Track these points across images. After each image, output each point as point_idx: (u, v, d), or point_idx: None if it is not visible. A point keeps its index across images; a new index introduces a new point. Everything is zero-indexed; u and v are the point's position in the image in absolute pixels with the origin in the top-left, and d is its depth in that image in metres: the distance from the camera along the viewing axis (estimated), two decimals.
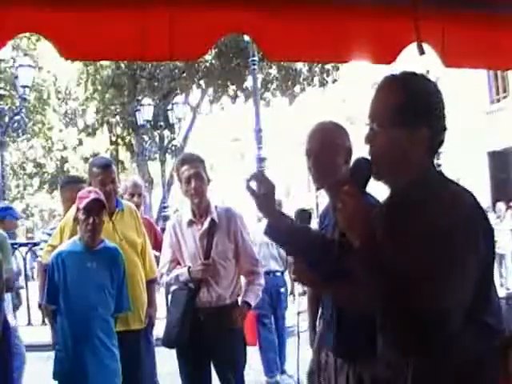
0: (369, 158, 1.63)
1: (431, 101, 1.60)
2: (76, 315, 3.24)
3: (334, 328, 2.30)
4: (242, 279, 3.64)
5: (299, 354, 3.24)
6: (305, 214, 2.45)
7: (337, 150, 2.38)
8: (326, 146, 2.37)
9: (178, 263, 3.55)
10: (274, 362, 6.18)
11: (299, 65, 17.49)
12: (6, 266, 4.03)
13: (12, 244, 7.28)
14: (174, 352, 3.60)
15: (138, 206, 4.56)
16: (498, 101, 21.71)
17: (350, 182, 1.59)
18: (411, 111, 1.57)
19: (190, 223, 3.53)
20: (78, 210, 3.33)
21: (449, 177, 1.63)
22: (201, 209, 3.50)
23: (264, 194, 1.96)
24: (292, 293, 6.83)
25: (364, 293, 1.54)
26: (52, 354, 3.50)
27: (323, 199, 2.59)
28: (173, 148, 18.66)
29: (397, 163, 1.60)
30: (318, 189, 2.48)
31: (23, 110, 13.48)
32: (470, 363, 1.48)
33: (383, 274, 1.44)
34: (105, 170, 3.78)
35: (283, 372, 6.36)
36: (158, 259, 3.89)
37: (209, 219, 3.48)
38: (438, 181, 1.60)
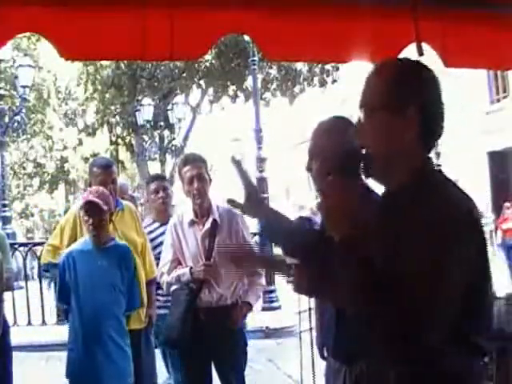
0: (359, 149, 1.52)
1: (422, 83, 1.51)
2: (87, 314, 3.25)
3: (333, 330, 2.26)
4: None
5: (301, 355, 3.25)
6: (304, 221, 2.39)
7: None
8: (337, 146, 2.10)
9: (179, 263, 3.55)
10: None
11: (299, 65, 17.48)
12: (6, 266, 4.03)
13: (12, 244, 7.31)
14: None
15: None
16: (498, 101, 21.72)
17: (335, 173, 1.50)
18: (399, 91, 1.49)
19: (192, 223, 3.52)
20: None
21: (448, 176, 1.52)
22: (203, 209, 3.50)
23: (248, 197, 1.88)
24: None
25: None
26: (51, 354, 3.51)
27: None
28: (173, 148, 18.66)
29: (388, 149, 1.49)
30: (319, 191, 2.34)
31: (23, 110, 13.48)
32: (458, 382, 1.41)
33: (363, 271, 1.36)
34: (105, 171, 3.78)
35: None
36: None
37: (210, 219, 3.47)
38: (436, 179, 1.50)
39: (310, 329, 3.13)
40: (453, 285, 1.34)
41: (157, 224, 4.44)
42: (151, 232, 4.36)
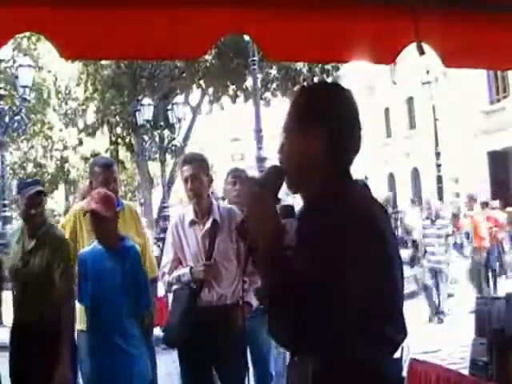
0: (280, 166, 1.68)
1: (329, 105, 1.64)
2: (94, 316, 3.27)
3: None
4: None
5: None
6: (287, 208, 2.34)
7: None
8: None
9: (180, 263, 3.55)
10: None
11: (299, 65, 17.50)
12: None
13: None
14: (174, 352, 3.61)
15: None
16: (498, 101, 21.74)
17: (260, 186, 1.63)
18: (309, 114, 1.63)
19: (192, 223, 3.53)
20: None
21: (360, 186, 1.67)
22: (202, 209, 3.51)
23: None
24: None
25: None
26: None
27: None
28: (173, 148, 18.66)
29: (302, 168, 1.64)
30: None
31: (23, 110, 13.47)
32: (370, 375, 1.51)
33: (283, 278, 1.50)
34: (106, 170, 3.78)
35: None
36: None
37: (211, 219, 3.48)
38: (344, 191, 1.61)
39: None
40: (360, 287, 1.47)
41: None
42: None
